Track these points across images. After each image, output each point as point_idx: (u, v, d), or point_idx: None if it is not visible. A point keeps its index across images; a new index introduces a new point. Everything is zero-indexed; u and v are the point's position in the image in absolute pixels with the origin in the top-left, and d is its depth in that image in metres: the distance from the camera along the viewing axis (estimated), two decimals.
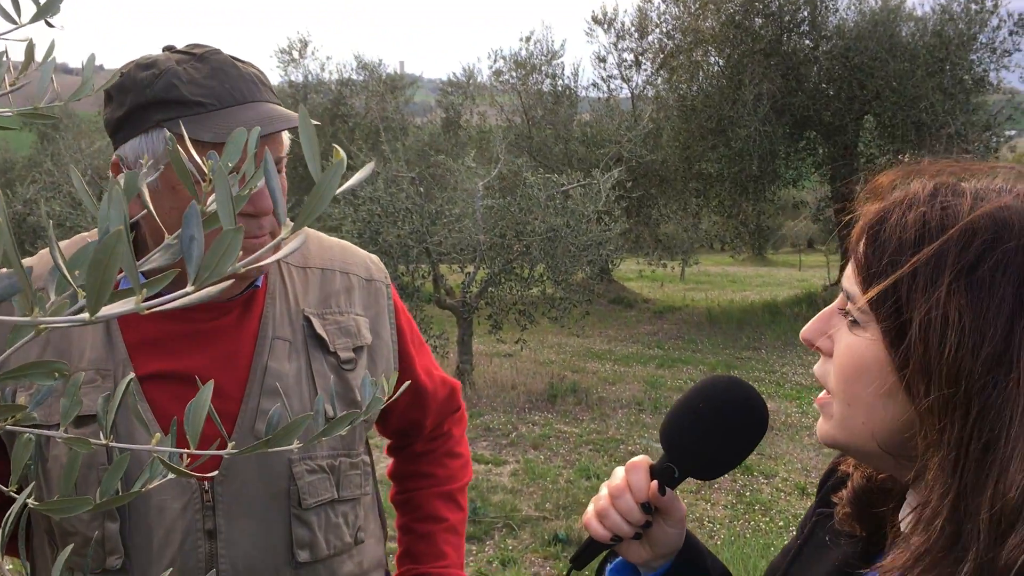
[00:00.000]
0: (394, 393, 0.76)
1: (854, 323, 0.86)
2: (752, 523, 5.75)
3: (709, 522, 5.77)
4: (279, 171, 1.40)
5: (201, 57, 1.37)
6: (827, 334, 0.91)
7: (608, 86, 20.01)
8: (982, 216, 0.77)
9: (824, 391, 0.93)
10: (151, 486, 0.69)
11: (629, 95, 19.90)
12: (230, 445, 1.45)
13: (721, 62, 16.19)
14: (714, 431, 1.06)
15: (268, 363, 1.47)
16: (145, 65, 1.36)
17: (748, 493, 6.34)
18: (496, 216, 9.56)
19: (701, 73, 16.51)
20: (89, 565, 1.39)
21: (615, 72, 19.75)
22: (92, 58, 0.85)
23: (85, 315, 0.40)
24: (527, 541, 5.34)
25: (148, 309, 0.42)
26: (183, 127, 1.34)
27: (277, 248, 0.47)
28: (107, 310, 0.41)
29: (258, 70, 1.43)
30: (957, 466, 0.75)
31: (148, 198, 0.54)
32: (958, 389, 0.75)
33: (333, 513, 1.52)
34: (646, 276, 22.77)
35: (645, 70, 19.24)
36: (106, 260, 0.40)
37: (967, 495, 0.74)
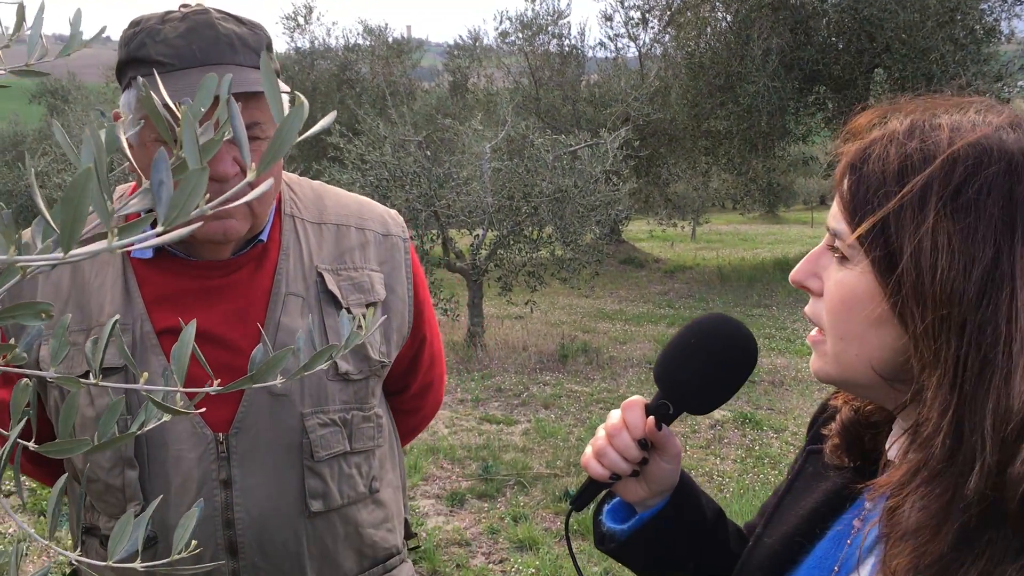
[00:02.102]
0: (373, 327, 0.78)
1: (843, 259, 0.89)
2: (761, 476, 5.80)
3: (719, 476, 5.82)
4: (255, 136, 1.41)
5: (184, 16, 1.39)
6: (816, 274, 0.94)
7: (615, 45, 19.84)
8: (963, 147, 0.81)
9: (816, 329, 0.96)
10: (147, 428, 0.71)
11: (636, 54, 19.73)
12: (244, 398, 1.47)
13: (728, 17, 16.01)
14: (705, 366, 1.10)
15: (281, 319, 1.49)
16: (135, 22, 1.42)
17: (758, 447, 6.39)
18: (504, 178, 9.54)
19: (709, 29, 16.34)
20: (85, 497, 1.44)
21: (622, 30, 19.59)
22: (78, 13, 0.87)
23: (59, 253, 0.43)
24: (538, 498, 5.41)
25: (120, 248, 0.44)
26: (140, 83, 1.38)
27: (243, 193, 0.49)
28: (79, 249, 0.44)
29: (248, 31, 1.43)
30: (955, 383, 0.78)
31: (127, 150, 0.57)
32: (952, 310, 0.78)
33: (346, 464, 1.56)
34: (657, 236, 22.75)
35: (652, 28, 19.05)
36: (77, 197, 0.42)
37: (967, 409, 0.77)
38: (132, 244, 0.48)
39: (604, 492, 1.23)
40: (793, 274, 0.97)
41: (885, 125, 0.88)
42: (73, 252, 0.46)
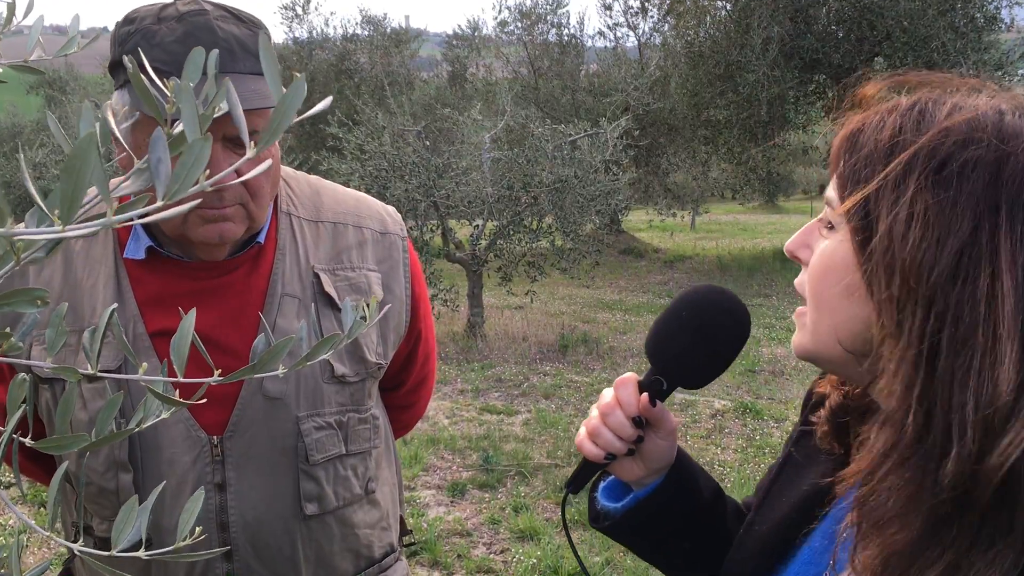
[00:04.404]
0: (376, 316, 0.77)
1: (830, 227, 0.88)
2: (762, 466, 5.79)
3: (719, 466, 5.82)
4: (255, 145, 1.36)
5: (181, 16, 1.32)
6: (808, 244, 0.93)
7: (615, 34, 19.80)
8: (956, 121, 0.78)
9: (801, 305, 0.94)
10: (146, 425, 0.70)
11: (636, 43, 19.68)
12: (239, 403, 1.45)
13: (728, 6, 15.95)
14: (698, 338, 1.06)
15: (277, 321, 1.46)
16: (129, 19, 1.35)
17: (758, 437, 6.39)
18: (503, 168, 9.52)
19: (708, 18, 16.29)
20: (83, 503, 1.43)
21: (621, 20, 19.59)
22: (77, 17, 0.87)
23: (58, 226, 0.41)
24: (539, 488, 5.41)
25: (120, 224, 0.43)
26: (130, 93, 1.33)
27: (242, 172, 0.48)
28: (77, 226, 0.42)
29: (248, 31, 1.36)
30: (921, 360, 0.76)
31: (127, 136, 0.56)
32: (921, 281, 0.76)
33: (342, 467, 1.54)
34: (656, 226, 22.73)
35: (651, 16, 19.02)
36: (79, 166, 0.41)
37: (940, 390, 0.75)
38: (131, 219, 0.47)
39: (600, 472, 1.20)
40: (788, 243, 0.95)
41: (891, 99, 0.86)
42: (71, 227, 0.44)
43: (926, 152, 0.78)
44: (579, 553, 1.24)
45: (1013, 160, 0.76)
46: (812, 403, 1.10)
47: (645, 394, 1.09)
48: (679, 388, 1.11)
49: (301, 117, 0.52)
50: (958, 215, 0.75)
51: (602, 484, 1.23)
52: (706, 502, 1.19)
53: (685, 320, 1.07)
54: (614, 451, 1.11)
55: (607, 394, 1.13)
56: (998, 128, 0.77)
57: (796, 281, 0.95)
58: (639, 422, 1.10)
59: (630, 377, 1.12)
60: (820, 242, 0.90)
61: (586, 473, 1.18)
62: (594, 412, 1.13)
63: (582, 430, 1.14)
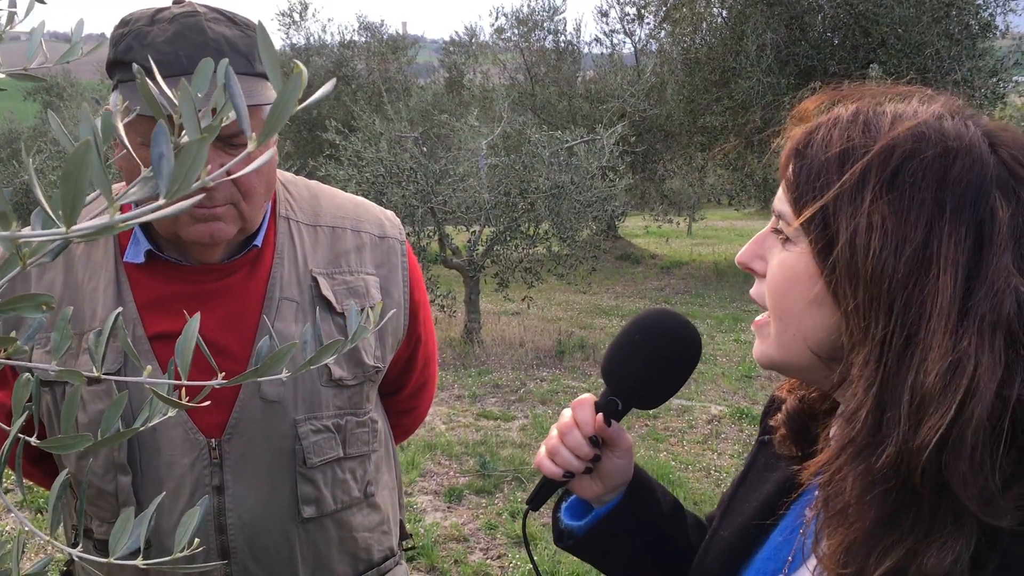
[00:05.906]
0: (380, 321, 0.78)
1: (786, 240, 0.90)
2: None
3: (716, 471, 5.83)
4: (242, 144, 1.36)
5: (174, 17, 1.35)
6: (761, 256, 0.95)
7: (611, 41, 19.81)
8: (902, 132, 0.82)
9: (763, 315, 0.97)
10: (152, 423, 0.71)
11: (632, 50, 19.71)
12: (237, 404, 1.46)
13: (724, 13, 15.98)
14: (649, 361, 1.11)
15: (275, 324, 1.47)
16: (124, 21, 1.38)
17: (754, 442, 6.39)
18: (500, 174, 9.53)
19: (704, 25, 16.30)
20: (84, 506, 1.44)
21: (618, 26, 19.56)
22: (80, 23, 0.88)
23: (62, 228, 0.43)
24: None
25: (123, 222, 0.44)
26: (122, 93, 1.35)
27: (248, 161, 0.49)
28: (81, 224, 0.44)
29: (239, 33, 1.39)
30: (881, 359, 0.80)
31: (124, 136, 0.57)
32: (882, 288, 0.80)
33: (340, 470, 1.54)
34: (653, 232, 22.74)
35: (648, 23, 19.03)
36: (78, 171, 0.42)
37: (889, 385, 0.79)
38: (134, 219, 0.48)
39: (560, 490, 1.24)
40: (739, 255, 0.98)
41: (831, 110, 0.90)
42: (74, 228, 0.45)
43: (879, 162, 0.82)
44: (536, 564, 1.27)
45: (958, 164, 0.80)
46: (770, 409, 1.14)
47: (600, 414, 1.13)
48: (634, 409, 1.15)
49: (304, 104, 0.53)
50: (912, 223, 0.79)
51: (564, 504, 1.27)
52: (665, 516, 1.23)
53: (638, 344, 1.12)
54: (572, 469, 1.15)
55: (566, 414, 1.17)
56: (940, 134, 0.82)
57: (753, 292, 0.98)
58: (595, 441, 1.14)
59: (587, 398, 1.16)
60: (775, 253, 0.92)
61: (546, 491, 1.22)
62: (553, 432, 1.17)
63: (542, 449, 1.18)
